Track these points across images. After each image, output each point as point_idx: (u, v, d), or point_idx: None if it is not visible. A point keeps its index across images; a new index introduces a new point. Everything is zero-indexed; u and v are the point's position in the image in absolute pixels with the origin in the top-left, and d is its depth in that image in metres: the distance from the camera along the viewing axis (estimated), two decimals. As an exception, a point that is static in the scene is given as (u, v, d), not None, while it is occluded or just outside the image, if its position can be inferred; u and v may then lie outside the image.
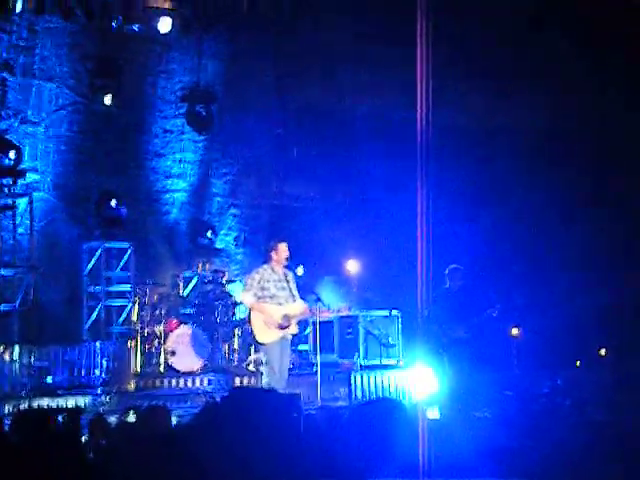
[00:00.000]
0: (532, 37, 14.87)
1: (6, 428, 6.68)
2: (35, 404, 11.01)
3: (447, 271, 11.39)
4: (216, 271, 14.67)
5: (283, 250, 10.43)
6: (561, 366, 12.84)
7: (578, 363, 13.46)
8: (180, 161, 15.95)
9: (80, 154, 14.81)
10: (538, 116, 15.58)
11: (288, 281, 10.42)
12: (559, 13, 14.56)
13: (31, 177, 14.19)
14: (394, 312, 13.72)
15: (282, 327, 10.23)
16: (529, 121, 15.65)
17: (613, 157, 15.24)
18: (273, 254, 10.45)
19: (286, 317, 10.26)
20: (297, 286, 10.62)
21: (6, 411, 10.76)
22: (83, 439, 6.86)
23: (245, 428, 4.21)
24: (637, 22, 13.60)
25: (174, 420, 7.01)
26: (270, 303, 10.28)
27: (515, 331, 12.11)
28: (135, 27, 14.28)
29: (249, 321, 10.73)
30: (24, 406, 10.44)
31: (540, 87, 15.31)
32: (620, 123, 15.03)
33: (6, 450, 5.55)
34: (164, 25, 14.58)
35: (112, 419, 8.07)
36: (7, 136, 13.87)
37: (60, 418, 7.48)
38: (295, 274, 10.96)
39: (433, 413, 7.39)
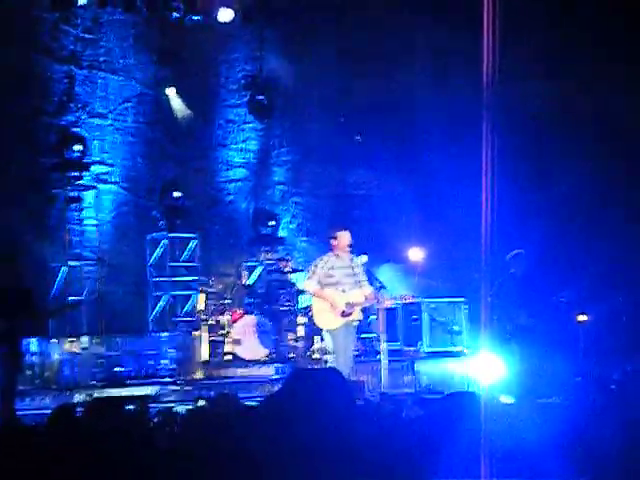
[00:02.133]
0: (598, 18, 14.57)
1: (78, 416, 6.81)
2: (105, 394, 11.17)
3: (509, 257, 11.27)
4: (280, 260, 14.71)
5: (344, 238, 10.41)
6: (630, 353, 12.64)
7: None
8: (242, 150, 16.02)
9: (146, 146, 14.96)
10: (613, 99, 15.26)
11: (354, 267, 10.39)
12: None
13: (99, 169, 14.37)
14: (459, 299, 13.64)
15: (346, 314, 10.21)
16: (605, 106, 15.34)
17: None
18: (334, 242, 10.45)
19: (349, 304, 10.24)
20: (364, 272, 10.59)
21: (77, 400, 10.93)
22: (152, 426, 6.96)
23: (308, 411, 4.22)
24: None
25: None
26: (334, 290, 10.27)
27: (582, 317, 11.94)
28: (195, 17, 14.36)
29: (312, 308, 10.76)
30: (95, 396, 10.59)
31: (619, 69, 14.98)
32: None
33: (80, 436, 5.66)
34: (225, 15, 14.64)
35: (181, 408, 8.15)
36: (75, 129, 14.07)
37: (130, 407, 7.60)
38: (362, 262, 10.92)
39: (506, 398, 7.32)
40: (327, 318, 10.27)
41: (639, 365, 11.16)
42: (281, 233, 16.19)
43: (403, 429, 5.39)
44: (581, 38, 14.88)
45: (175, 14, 14.12)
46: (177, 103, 15.03)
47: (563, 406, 6.84)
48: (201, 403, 8.39)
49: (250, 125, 16.02)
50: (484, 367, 10.19)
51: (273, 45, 15.99)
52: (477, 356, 11.82)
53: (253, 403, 9.53)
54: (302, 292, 13.77)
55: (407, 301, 11.12)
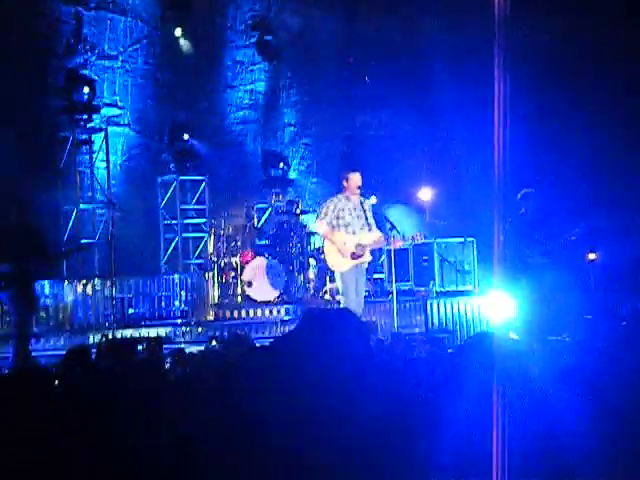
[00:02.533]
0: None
1: (93, 357, 6.90)
2: (118, 334, 11.29)
3: (519, 196, 11.24)
4: (290, 202, 14.71)
5: (355, 179, 10.38)
6: (640, 290, 12.68)
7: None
8: (251, 92, 15.95)
9: (156, 88, 14.91)
10: (616, 36, 15.10)
11: (365, 210, 10.39)
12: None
13: (110, 112, 14.33)
14: (469, 239, 13.66)
15: (356, 256, 10.24)
16: (607, 42, 15.18)
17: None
18: (345, 183, 10.43)
19: (360, 246, 10.25)
20: (372, 215, 10.60)
21: (91, 341, 11.05)
22: (166, 366, 7.05)
23: (321, 349, 4.24)
24: None
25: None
26: (344, 232, 10.28)
27: (592, 255, 11.95)
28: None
29: (323, 250, 10.78)
30: (109, 336, 10.70)
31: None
32: None
33: (94, 376, 5.73)
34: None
35: (193, 349, 8.24)
36: (84, 71, 13.99)
37: (143, 348, 7.69)
38: (371, 203, 10.92)
39: (514, 334, 7.34)
40: (338, 260, 10.29)
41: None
42: (291, 175, 16.19)
43: (414, 369, 5.43)
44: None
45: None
46: (186, 46, 14.94)
47: (573, 343, 6.88)
48: (214, 344, 8.48)
49: (258, 66, 15.94)
50: (495, 306, 10.26)
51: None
52: (487, 295, 11.89)
53: (265, 344, 9.65)
54: (313, 234, 13.81)
55: (418, 241, 11.11)
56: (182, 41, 14.93)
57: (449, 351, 7.05)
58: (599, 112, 15.17)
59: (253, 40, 15.78)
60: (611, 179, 15.01)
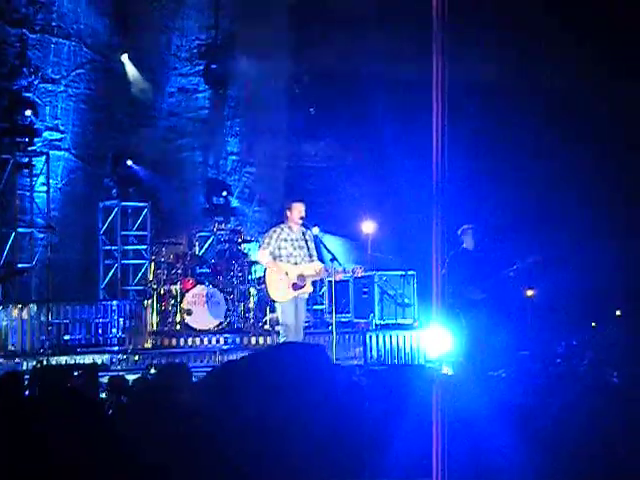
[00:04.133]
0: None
1: (25, 383, 6.77)
2: (53, 361, 11.11)
3: (460, 231, 11.36)
4: (232, 231, 14.69)
5: (298, 209, 10.39)
6: (577, 327, 12.85)
7: (594, 324, 13.46)
8: (194, 120, 15.93)
9: (98, 113, 14.83)
10: (559, 76, 15.41)
11: (306, 240, 10.39)
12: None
13: (51, 135, 14.21)
14: (409, 272, 13.73)
15: (297, 287, 10.23)
16: (550, 81, 15.49)
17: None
18: (288, 213, 10.44)
19: (301, 276, 10.25)
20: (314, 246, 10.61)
21: (25, 368, 10.86)
22: (102, 395, 6.95)
23: (270, 380, 4.23)
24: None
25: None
26: (286, 262, 10.28)
27: (530, 292, 12.09)
28: (151, -17, 14.22)
29: (264, 279, 10.76)
30: (43, 363, 10.53)
31: (564, 47, 15.13)
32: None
33: (25, 405, 5.62)
34: (179, -18, 14.50)
35: (129, 377, 8.14)
36: (28, 94, 13.87)
37: (78, 375, 7.57)
38: (313, 234, 10.93)
39: (447, 369, 7.39)
40: (279, 290, 10.28)
41: (584, 339, 11.34)
42: (234, 203, 16.16)
43: (352, 398, 5.42)
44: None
45: (130, -20, 13.95)
46: (133, 72, 14.91)
47: (509, 379, 6.94)
48: (151, 372, 8.39)
49: (202, 94, 15.92)
50: (433, 340, 10.30)
51: (228, 13, 15.88)
52: (427, 329, 11.94)
53: (202, 373, 9.57)
54: (254, 263, 13.78)
55: (358, 275, 11.15)
56: (128, 67, 14.89)
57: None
58: (537, 148, 15.43)
59: (198, 68, 15.78)
60: (549, 214, 15.23)
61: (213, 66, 15.67)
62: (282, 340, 10.28)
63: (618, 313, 13.99)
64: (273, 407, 4.15)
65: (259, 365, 4.33)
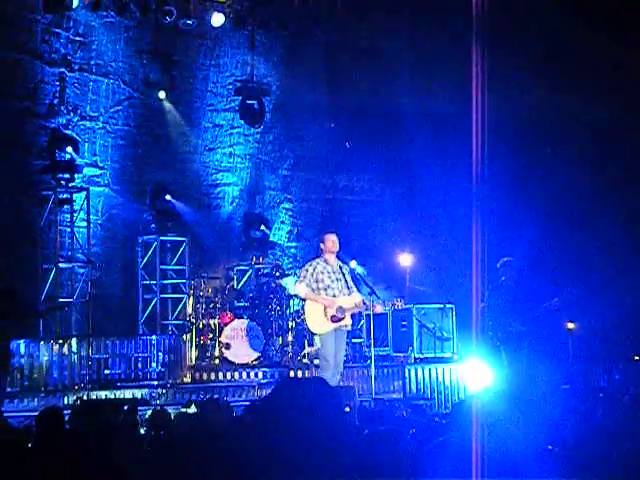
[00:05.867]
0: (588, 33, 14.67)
1: (66, 419, 6.80)
2: (94, 396, 11.15)
3: (499, 264, 11.30)
4: (271, 264, 14.73)
5: (331, 240, 10.40)
6: (618, 360, 12.69)
7: (636, 357, 13.28)
8: (230, 155, 16.03)
9: (137, 148, 14.97)
10: (597, 111, 15.38)
11: (344, 273, 10.39)
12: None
13: (90, 172, 14.37)
14: (448, 305, 13.66)
15: (336, 319, 10.20)
16: (587, 115, 15.45)
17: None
18: (322, 246, 10.46)
19: (340, 309, 10.23)
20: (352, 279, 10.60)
21: (65, 402, 10.91)
22: (141, 431, 6.95)
23: (292, 420, 4.21)
24: None
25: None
26: (324, 294, 10.27)
27: (571, 325, 11.98)
28: (188, 21, 14.36)
29: (303, 312, 10.75)
30: (83, 398, 10.57)
31: (598, 81, 15.13)
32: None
33: (67, 438, 5.65)
34: (217, 20, 14.65)
35: (169, 411, 8.13)
36: (67, 131, 14.06)
37: (118, 410, 7.59)
38: (350, 267, 10.93)
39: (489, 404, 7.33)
40: (318, 322, 10.26)
41: (627, 373, 11.20)
42: (272, 238, 16.21)
43: (392, 436, 5.38)
44: (565, 49, 15.03)
45: (168, 18, 14.10)
46: (170, 108, 15.09)
47: (551, 413, 6.85)
48: (192, 407, 8.39)
49: (239, 130, 16.04)
50: (473, 373, 10.22)
51: (264, 50, 16.03)
52: (466, 362, 11.84)
53: (241, 407, 9.56)
54: (292, 296, 13.78)
55: (397, 307, 11.11)
56: (165, 103, 15.06)
57: (435, 419, 7.00)
58: (582, 181, 15.35)
59: (234, 104, 15.91)
60: (590, 247, 15.12)
61: (248, 102, 15.77)
62: (320, 373, 10.24)
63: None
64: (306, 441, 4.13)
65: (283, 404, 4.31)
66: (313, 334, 10.64)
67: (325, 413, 4.00)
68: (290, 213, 16.66)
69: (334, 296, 10.27)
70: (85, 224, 13.95)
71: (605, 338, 13.49)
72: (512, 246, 12.18)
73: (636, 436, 5.25)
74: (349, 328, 10.53)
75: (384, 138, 16.16)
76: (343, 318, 10.24)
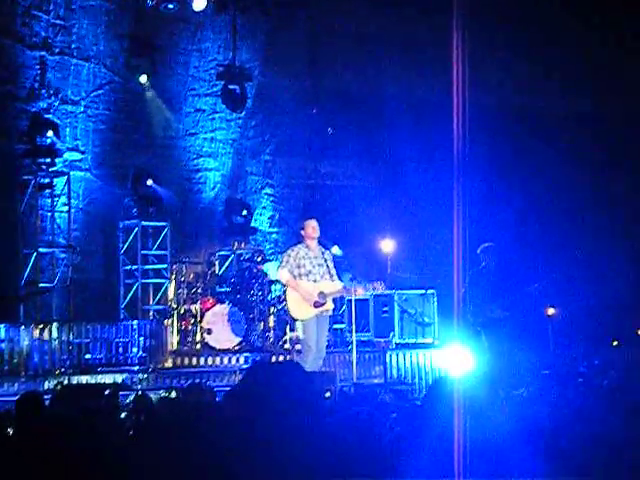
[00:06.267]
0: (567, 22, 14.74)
1: (47, 403, 6.79)
2: (74, 380, 11.13)
3: (480, 250, 11.34)
4: (252, 250, 14.72)
5: (312, 226, 10.44)
6: (598, 345, 12.78)
7: (615, 342, 13.38)
8: (212, 140, 15.99)
9: (118, 133, 14.90)
10: (573, 99, 15.48)
11: (326, 259, 10.42)
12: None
13: (71, 156, 14.30)
14: (429, 291, 13.70)
15: (318, 304, 10.23)
16: (564, 103, 15.55)
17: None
18: (303, 232, 10.49)
19: (322, 294, 10.26)
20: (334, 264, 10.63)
21: (46, 387, 10.89)
22: (122, 415, 6.94)
23: (268, 405, 4.23)
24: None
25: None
26: (306, 280, 10.30)
27: (552, 310, 12.04)
28: (170, 5, 14.28)
29: (285, 298, 10.76)
30: (64, 383, 10.55)
31: (576, 71, 15.21)
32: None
33: (48, 423, 5.64)
34: (199, 4, 14.57)
35: (150, 396, 8.12)
36: (48, 115, 13.97)
37: (100, 394, 7.58)
38: (332, 253, 10.95)
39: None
40: (300, 308, 10.29)
41: (607, 358, 11.28)
42: (253, 223, 16.18)
43: (374, 420, 5.41)
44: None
45: (149, 2, 14.02)
46: (151, 93, 15.03)
47: (530, 399, 6.90)
48: (173, 393, 8.38)
49: (221, 115, 15.99)
50: (454, 358, 10.25)
51: (246, 35, 15.97)
52: (447, 348, 11.89)
53: (223, 392, 9.56)
54: (274, 282, 13.79)
55: (378, 291, 11.13)
56: (146, 88, 15.00)
57: (417, 403, 7.03)
58: (560, 167, 15.43)
59: (216, 89, 15.84)
60: (570, 232, 15.20)
61: (230, 87, 15.70)
62: (302, 358, 10.25)
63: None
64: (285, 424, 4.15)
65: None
66: (295, 320, 10.65)
67: (299, 397, 4.02)
68: (272, 199, 16.64)
69: (315, 281, 10.30)
70: (66, 209, 13.88)
71: (585, 323, 13.58)
72: (494, 232, 12.23)
73: (613, 421, 5.29)
74: (330, 313, 10.56)
75: (366, 124, 16.16)
76: (325, 303, 10.28)
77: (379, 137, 16.25)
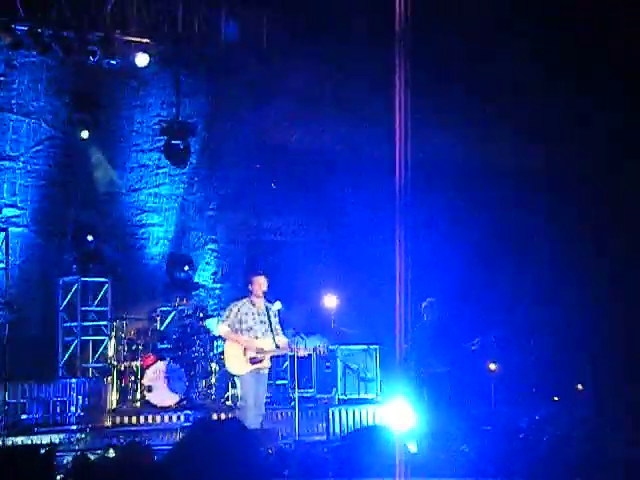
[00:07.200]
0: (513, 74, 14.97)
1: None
2: (10, 442, 10.87)
3: (423, 305, 11.41)
4: (195, 306, 14.61)
5: (259, 283, 10.40)
6: (539, 401, 12.83)
7: (556, 398, 13.45)
8: (156, 195, 15.92)
9: (58, 189, 14.79)
10: (511, 154, 15.71)
11: (269, 316, 10.37)
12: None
13: (9, 212, 14.13)
14: (372, 346, 13.69)
15: (255, 361, 10.17)
16: (503, 158, 15.77)
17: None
18: (250, 287, 10.44)
19: (260, 351, 10.21)
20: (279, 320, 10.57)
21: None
22: (59, 478, 6.78)
23: (209, 463, 4.17)
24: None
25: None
26: (247, 336, 10.24)
27: (493, 366, 12.10)
28: (113, 61, 14.27)
29: (223, 352, 10.68)
30: (-1, 444, 10.30)
31: (516, 128, 15.44)
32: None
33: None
34: (141, 60, 14.58)
35: (89, 456, 7.95)
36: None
37: (34, 456, 7.39)
38: (275, 309, 10.88)
39: (412, 446, 7.30)
40: (237, 363, 10.22)
41: (548, 413, 11.32)
42: (196, 279, 16.08)
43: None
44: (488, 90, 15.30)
45: (91, 58, 13.99)
46: (93, 149, 14.95)
47: (472, 454, 6.88)
48: (110, 452, 8.21)
49: (164, 170, 15.95)
50: (396, 414, 10.22)
51: (189, 90, 16.00)
52: (389, 403, 11.86)
53: (163, 451, 9.39)
54: (216, 338, 13.68)
55: (321, 353, 11.10)
56: (89, 144, 14.92)
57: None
58: (498, 223, 15.59)
59: (159, 144, 15.82)
60: (512, 288, 15.32)
61: (174, 142, 15.68)
62: (241, 415, 10.12)
63: (579, 387, 14.01)
64: None
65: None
66: (233, 375, 10.55)
67: (239, 454, 3.97)
68: (215, 254, 16.57)
69: (257, 337, 10.25)
70: (2, 265, 13.68)
71: (527, 378, 13.64)
72: (436, 287, 12.29)
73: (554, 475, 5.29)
74: (266, 372, 10.47)
75: (310, 180, 16.23)
76: (262, 360, 10.21)
77: (322, 193, 16.31)
